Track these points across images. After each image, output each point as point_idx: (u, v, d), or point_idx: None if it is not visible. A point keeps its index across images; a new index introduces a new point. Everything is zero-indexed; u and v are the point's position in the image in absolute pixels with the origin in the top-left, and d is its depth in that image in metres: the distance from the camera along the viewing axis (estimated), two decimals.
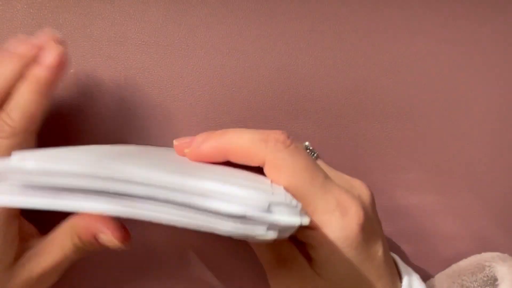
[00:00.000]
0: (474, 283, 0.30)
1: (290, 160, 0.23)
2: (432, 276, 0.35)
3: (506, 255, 0.31)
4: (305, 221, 0.18)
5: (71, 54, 0.33)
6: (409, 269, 0.28)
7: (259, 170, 0.24)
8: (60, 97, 0.32)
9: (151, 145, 0.34)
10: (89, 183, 0.16)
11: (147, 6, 0.33)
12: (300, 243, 0.25)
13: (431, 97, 0.36)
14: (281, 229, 0.17)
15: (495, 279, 0.29)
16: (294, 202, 0.19)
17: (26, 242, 0.27)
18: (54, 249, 0.25)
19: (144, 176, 0.16)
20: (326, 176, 0.25)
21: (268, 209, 0.17)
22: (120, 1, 0.33)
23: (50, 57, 0.25)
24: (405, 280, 0.26)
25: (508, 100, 0.37)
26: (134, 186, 0.16)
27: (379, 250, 0.25)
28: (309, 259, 0.25)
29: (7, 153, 0.24)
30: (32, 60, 0.25)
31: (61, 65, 0.25)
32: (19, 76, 0.25)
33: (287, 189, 0.22)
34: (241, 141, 0.23)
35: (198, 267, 0.34)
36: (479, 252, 0.32)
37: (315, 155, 0.30)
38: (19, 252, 0.26)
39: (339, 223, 0.23)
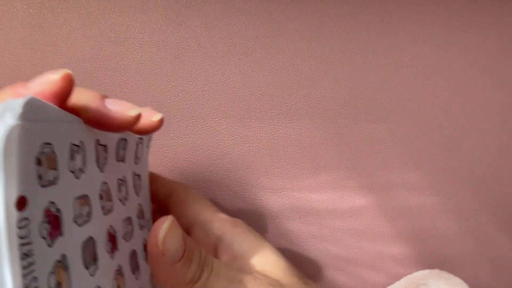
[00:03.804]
0: None
1: None
2: None
3: (437, 270, 0.30)
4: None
5: (71, 54, 0.33)
6: None
7: None
8: None
9: (150, 145, 0.34)
10: None
11: (147, 6, 0.33)
12: None
13: (432, 98, 0.36)
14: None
15: None
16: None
17: None
18: None
19: None
20: None
21: None
22: (120, 1, 0.33)
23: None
24: None
25: (509, 101, 0.37)
26: None
27: None
28: None
29: None
30: None
31: None
32: None
33: None
34: None
35: None
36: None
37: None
38: None
39: None
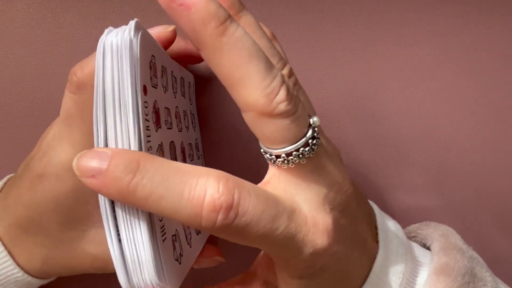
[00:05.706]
0: None
1: None
2: None
3: (428, 221, 0.30)
4: None
5: (71, 54, 0.33)
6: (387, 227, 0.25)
7: None
8: (59, 96, 0.32)
9: None
10: None
11: (147, 6, 0.33)
12: None
13: (432, 98, 0.36)
14: None
15: (425, 245, 0.28)
16: None
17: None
18: None
19: None
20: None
21: None
22: (120, 1, 0.33)
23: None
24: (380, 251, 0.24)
25: (508, 101, 0.37)
26: None
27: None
28: None
29: (74, 109, 0.23)
30: None
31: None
32: None
33: None
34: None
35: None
36: (480, 253, 0.32)
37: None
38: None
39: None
